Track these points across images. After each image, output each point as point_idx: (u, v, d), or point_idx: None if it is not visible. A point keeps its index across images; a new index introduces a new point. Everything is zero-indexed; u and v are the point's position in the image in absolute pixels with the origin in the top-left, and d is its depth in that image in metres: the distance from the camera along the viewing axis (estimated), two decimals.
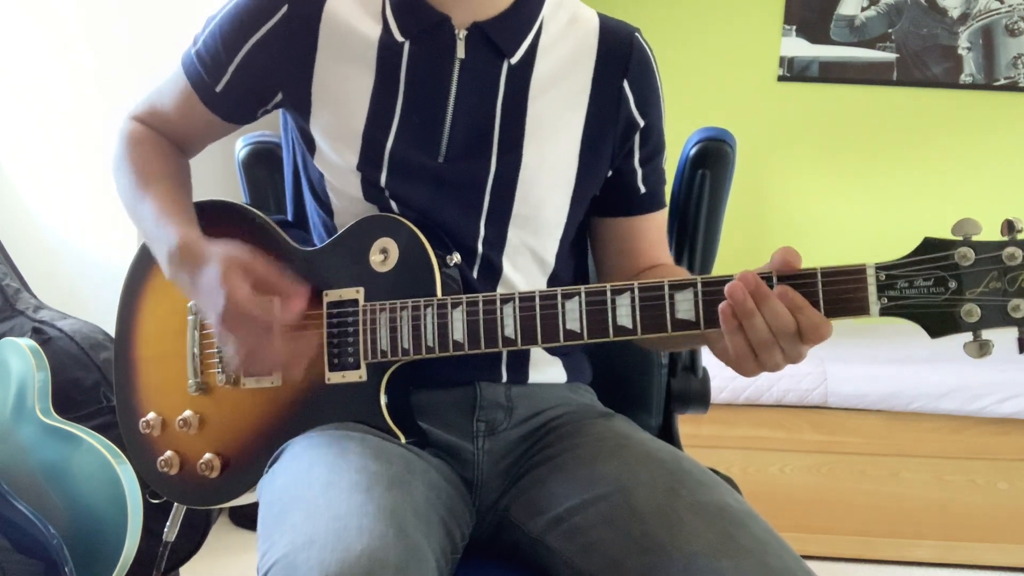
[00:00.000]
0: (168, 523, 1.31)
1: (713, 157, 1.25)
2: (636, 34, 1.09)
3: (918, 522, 2.51)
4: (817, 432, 2.54)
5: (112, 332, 1.19)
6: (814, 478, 2.53)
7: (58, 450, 1.52)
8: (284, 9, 1.04)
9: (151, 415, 1.11)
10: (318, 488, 0.86)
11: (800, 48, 3.30)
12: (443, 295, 0.96)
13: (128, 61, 2.18)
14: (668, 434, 1.29)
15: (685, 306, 0.86)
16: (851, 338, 2.87)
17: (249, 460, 1.04)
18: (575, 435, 1.02)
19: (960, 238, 0.77)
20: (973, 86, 3.26)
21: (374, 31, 1.04)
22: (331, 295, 1.01)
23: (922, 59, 3.26)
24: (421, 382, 1.03)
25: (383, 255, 1.00)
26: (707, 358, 1.20)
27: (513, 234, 1.05)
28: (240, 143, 1.35)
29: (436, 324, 0.95)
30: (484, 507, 1.04)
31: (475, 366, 1.03)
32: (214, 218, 1.10)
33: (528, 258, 1.07)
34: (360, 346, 0.99)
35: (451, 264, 1.00)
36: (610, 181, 1.09)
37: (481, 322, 0.93)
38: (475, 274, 1.04)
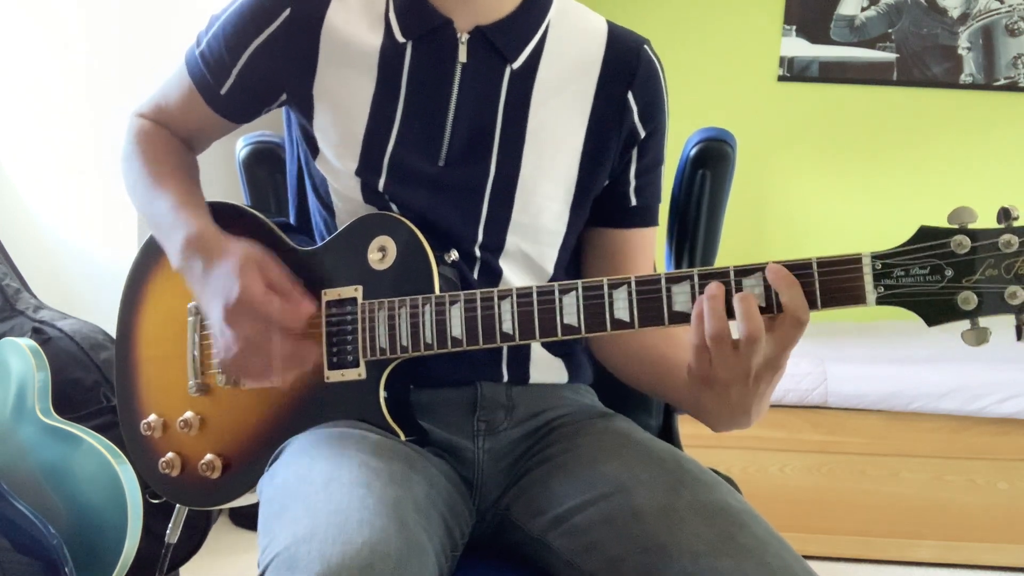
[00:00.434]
0: (170, 525, 1.31)
1: (713, 157, 1.25)
2: (645, 45, 1.08)
3: (918, 522, 2.51)
4: (817, 432, 2.54)
5: (112, 332, 1.19)
6: (814, 478, 2.53)
7: (58, 450, 1.52)
8: (287, 12, 1.04)
9: (152, 417, 1.12)
10: (319, 483, 0.86)
11: (800, 48, 3.30)
12: (441, 292, 0.96)
13: (129, 61, 2.18)
14: (668, 434, 1.29)
15: (682, 299, 0.86)
16: (851, 338, 2.87)
17: (250, 460, 1.04)
18: (576, 435, 1.02)
19: (956, 226, 0.77)
20: (973, 86, 3.26)
21: (376, 37, 1.04)
22: (330, 294, 1.01)
23: (922, 59, 3.26)
24: (422, 381, 1.03)
25: (381, 253, 1.00)
26: None
27: (512, 241, 1.05)
28: (240, 143, 1.35)
29: (434, 321, 0.95)
30: (484, 506, 1.04)
31: (476, 365, 1.04)
32: (216, 220, 1.10)
33: (527, 265, 1.07)
34: (359, 344, 0.99)
35: (449, 261, 1.00)
36: (604, 190, 1.09)
37: (479, 318, 0.93)
38: (475, 275, 1.04)
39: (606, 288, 0.89)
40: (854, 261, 0.80)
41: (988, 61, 3.24)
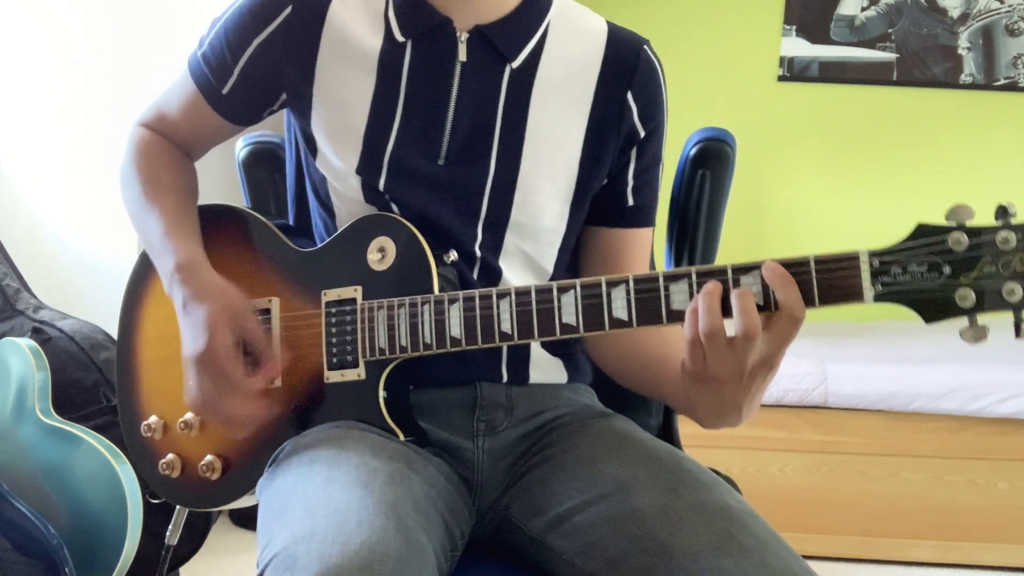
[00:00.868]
0: (170, 526, 1.31)
1: (713, 157, 1.25)
2: (645, 46, 1.08)
3: (918, 522, 2.51)
4: (817, 432, 2.54)
5: (113, 332, 1.19)
6: (814, 478, 2.53)
7: (58, 450, 1.52)
8: (288, 10, 1.04)
9: (153, 418, 1.12)
10: (318, 483, 0.86)
11: (800, 48, 3.30)
12: (440, 292, 0.96)
13: (129, 61, 2.18)
14: (668, 434, 1.29)
15: (680, 297, 0.86)
16: (851, 338, 2.87)
17: (250, 461, 1.04)
18: (575, 435, 1.02)
19: (954, 224, 0.77)
20: (973, 86, 3.26)
21: (376, 36, 1.04)
22: (329, 294, 1.02)
23: (922, 59, 3.26)
24: (422, 382, 1.03)
25: (380, 254, 1.00)
26: None
27: (511, 240, 1.05)
28: (240, 143, 1.35)
29: (433, 321, 0.95)
30: (484, 506, 1.04)
31: (476, 366, 1.04)
32: (214, 223, 1.10)
33: (526, 265, 1.07)
34: (358, 344, 0.99)
35: (448, 262, 1.00)
36: (602, 189, 1.09)
37: (478, 318, 0.93)
38: (475, 275, 1.04)
39: (604, 287, 0.89)
40: (851, 258, 0.80)
41: (988, 61, 3.24)
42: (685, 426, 1.27)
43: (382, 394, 0.98)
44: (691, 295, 0.85)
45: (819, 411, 2.54)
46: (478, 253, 1.04)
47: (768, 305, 0.82)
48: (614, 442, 0.99)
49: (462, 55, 1.03)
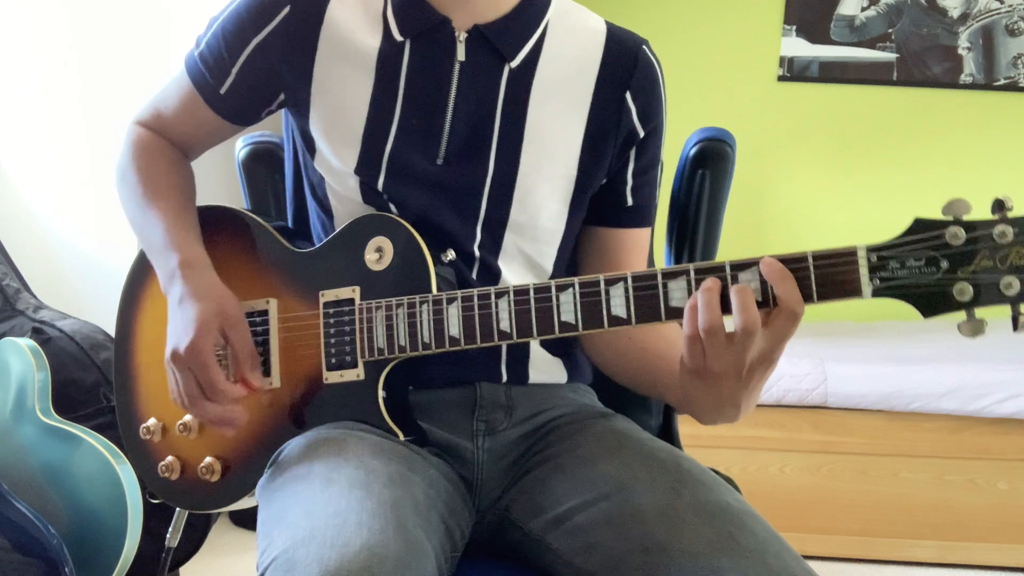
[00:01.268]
0: (170, 528, 1.31)
1: (713, 157, 1.25)
2: (644, 46, 1.08)
3: (918, 522, 2.51)
4: (817, 432, 2.54)
5: (112, 332, 1.18)
6: (814, 478, 2.53)
7: (58, 450, 1.52)
8: (286, 10, 1.03)
9: (151, 421, 1.11)
10: (317, 485, 0.86)
11: (800, 48, 3.30)
12: (438, 292, 0.96)
13: (128, 61, 2.18)
14: (668, 434, 1.29)
15: (678, 294, 0.86)
16: (851, 338, 2.87)
17: (249, 462, 1.04)
18: (575, 435, 1.02)
19: (951, 218, 0.77)
20: (973, 86, 3.26)
21: (374, 36, 1.04)
22: (327, 295, 1.01)
23: (922, 59, 3.26)
24: (422, 382, 1.03)
25: (378, 254, 1.00)
26: None
27: (510, 240, 1.05)
28: (240, 143, 1.35)
29: (432, 320, 0.95)
30: (484, 506, 1.04)
31: (475, 366, 1.04)
32: (211, 225, 1.10)
33: (526, 264, 1.07)
34: (357, 345, 0.99)
35: (446, 261, 1.00)
36: (600, 189, 1.09)
37: (476, 317, 0.93)
38: (474, 275, 1.04)
39: (603, 285, 0.89)
40: (849, 254, 0.80)
41: (988, 61, 3.24)
42: (685, 426, 1.27)
43: (381, 394, 0.98)
44: (689, 292, 0.85)
45: (819, 411, 2.54)
46: (477, 253, 1.04)
47: (767, 301, 0.82)
48: (614, 442, 0.99)
49: (461, 55, 1.02)
